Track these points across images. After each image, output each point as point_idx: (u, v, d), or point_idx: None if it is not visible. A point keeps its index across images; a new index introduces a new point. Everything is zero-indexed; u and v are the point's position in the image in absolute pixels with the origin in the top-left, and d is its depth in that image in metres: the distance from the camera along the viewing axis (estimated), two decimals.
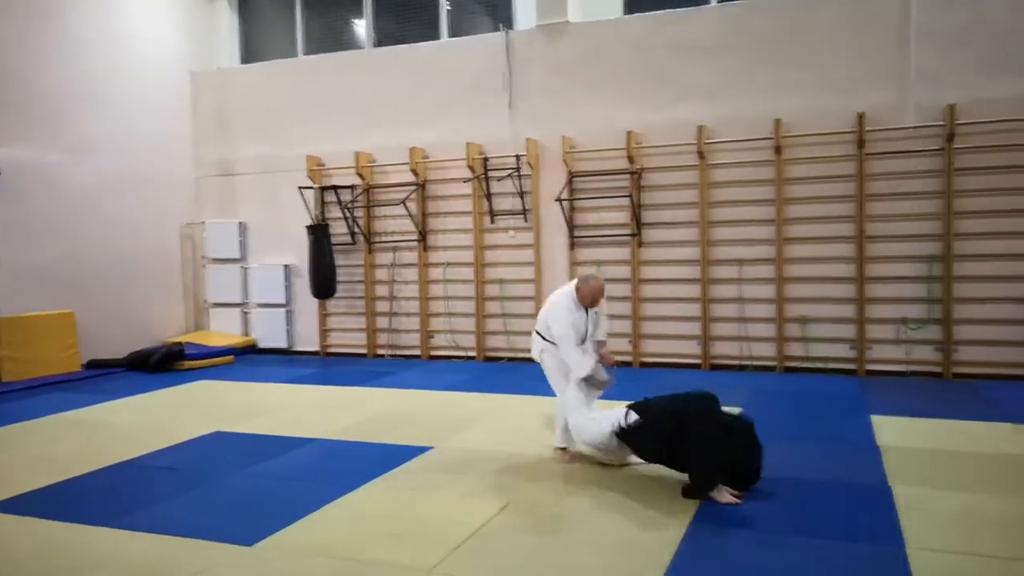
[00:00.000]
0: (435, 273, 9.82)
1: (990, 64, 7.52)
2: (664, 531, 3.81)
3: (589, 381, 4.96)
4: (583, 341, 5.03)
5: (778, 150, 8.11)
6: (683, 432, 4.27)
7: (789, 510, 4.12)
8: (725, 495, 4.18)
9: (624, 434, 4.55)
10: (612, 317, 8.71)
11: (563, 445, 5.15)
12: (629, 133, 8.62)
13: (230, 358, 9.87)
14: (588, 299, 5.00)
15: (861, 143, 7.80)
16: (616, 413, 4.69)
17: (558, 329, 4.96)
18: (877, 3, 7.91)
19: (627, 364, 8.59)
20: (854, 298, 8.02)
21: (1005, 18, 7.48)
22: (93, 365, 9.30)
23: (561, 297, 5.10)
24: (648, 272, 8.85)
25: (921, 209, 7.80)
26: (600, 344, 5.23)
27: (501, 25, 9.44)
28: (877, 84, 7.88)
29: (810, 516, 4.02)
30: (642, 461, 4.74)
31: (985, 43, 7.54)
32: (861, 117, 7.75)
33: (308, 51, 10.86)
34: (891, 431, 5.56)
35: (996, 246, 7.58)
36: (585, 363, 4.89)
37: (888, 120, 7.82)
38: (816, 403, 6.75)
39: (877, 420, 5.95)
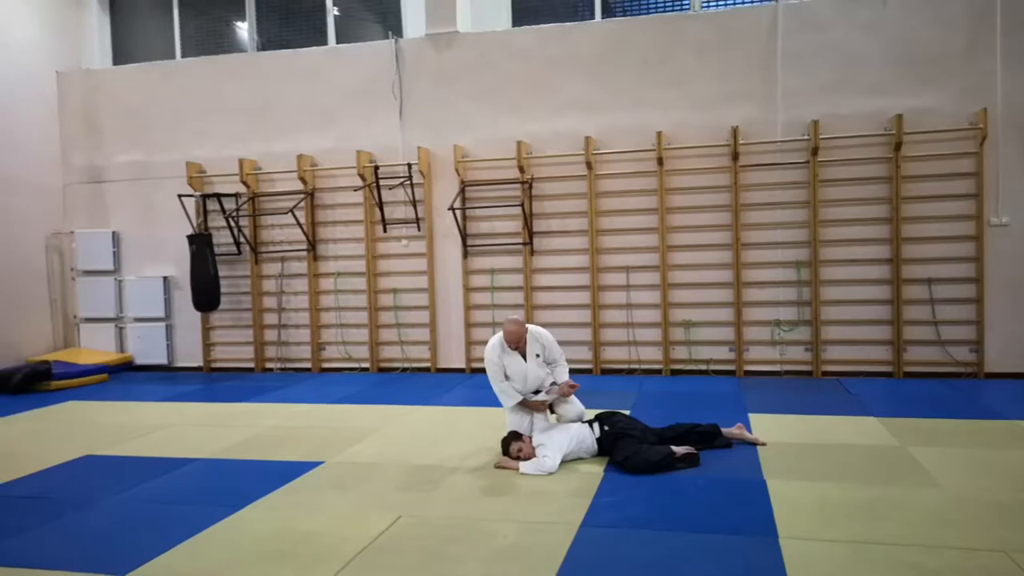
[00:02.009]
0: (326, 283, 9.62)
1: (846, 83, 8.13)
2: (553, 537, 3.87)
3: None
4: (535, 388, 5.37)
5: (660, 161, 8.44)
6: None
7: (672, 508, 4.29)
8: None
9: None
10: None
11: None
12: (519, 143, 8.75)
13: (103, 376, 9.29)
14: (510, 341, 5.28)
15: (735, 156, 8.24)
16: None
17: (486, 365, 5.37)
18: (747, 26, 8.40)
19: None
20: (732, 302, 8.45)
21: (857, 41, 8.11)
22: None
23: (491, 339, 5.41)
24: (540, 280, 9.00)
25: (790, 218, 8.31)
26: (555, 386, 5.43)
27: (390, 33, 9.38)
28: (749, 100, 8.35)
29: (691, 512, 4.21)
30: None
31: (841, 64, 8.15)
32: (735, 131, 8.19)
33: (187, 53, 10.41)
34: (766, 428, 5.88)
35: (856, 252, 8.19)
36: (508, 397, 5.31)
37: (759, 134, 8.30)
38: (699, 403, 7.05)
39: (754, 418, 6.27)
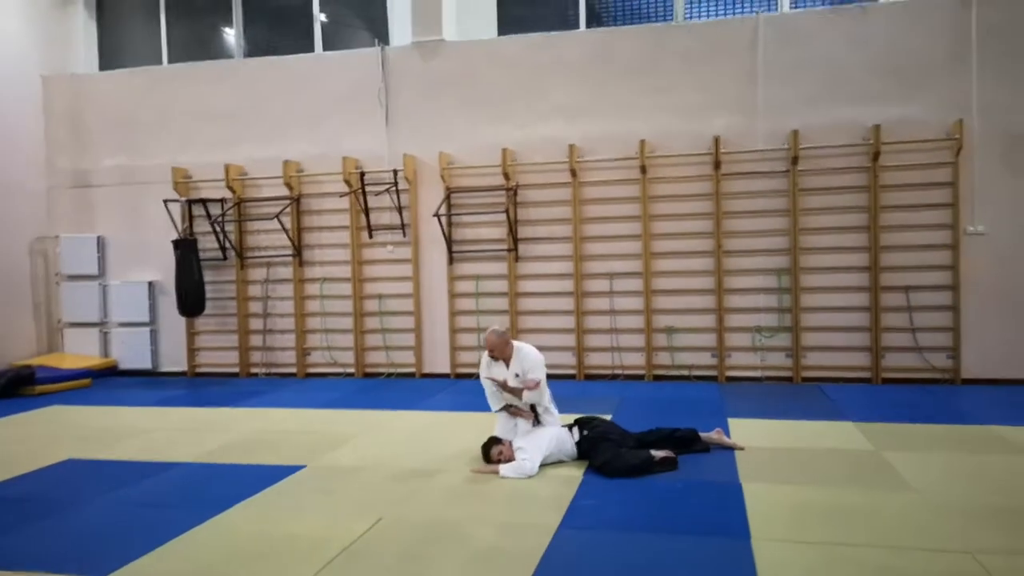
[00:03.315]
0: (311, 289, 9.65)
1: (826, 94, 8.26)
2: (531, 539, 3.93)
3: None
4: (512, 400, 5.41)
5: (643, 169, 8.54)
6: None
7: (649, 510, 4.37)
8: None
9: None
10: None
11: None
12: (504, 150, 8.83)
13: (87, 381, 9.27)
14: (487, 348, 5.40)
15: (717, 164, 8.36)
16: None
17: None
18: (729, 36, 8.52)
19: None
20: (714, 309, 8.54)
21: (837, 53, 8.25)
22: None
23: (485, 353, 5.51)
24: (525, 286, 9.07)
25: (771, 226, 8.43)
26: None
27: (377, 40, 9.45)
28: (730, 110, 8.47)
29: (668, 514, 4.29)
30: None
31: (821, 75, 8.29)
32: (717, 140, 8.31)
33: (173, 59, 10.44)
34: (745, 433, 5.95)
35: (835, 260, 8.31)
36: (493, 402, 5.48)
37: (741, 143, 8.42)
38: (680, 409, 7.11)
39: (733, 423, 6.35)
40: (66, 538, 4.15)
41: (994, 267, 7.98)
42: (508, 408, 5.43)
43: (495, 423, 5.56)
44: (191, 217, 9.81)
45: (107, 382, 9.56)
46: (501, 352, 5.36)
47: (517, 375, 5.34)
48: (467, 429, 6.19)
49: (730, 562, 3.62)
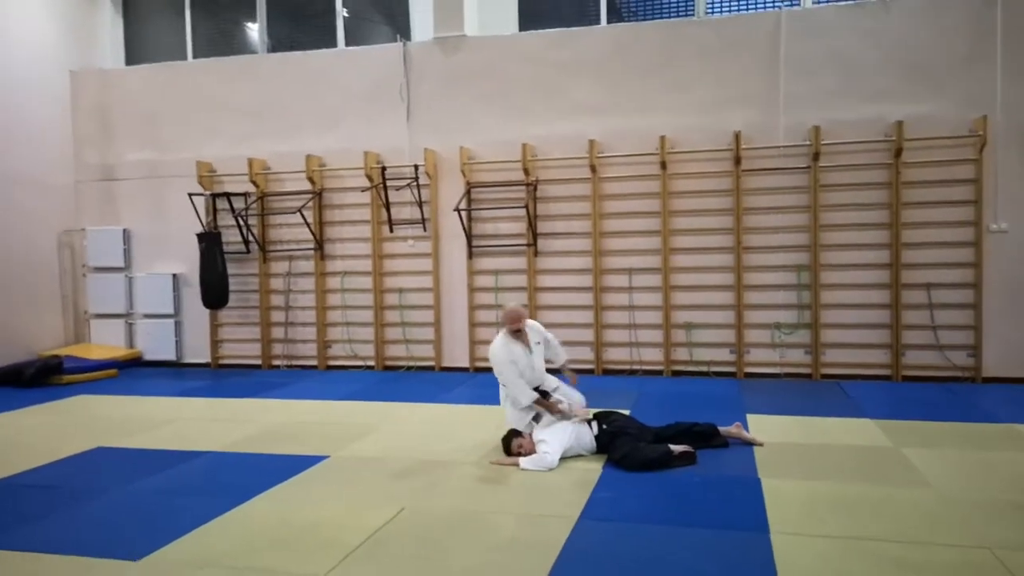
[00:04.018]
0: (333, 282, 9.76)
1: (848, 89, 8.22)
2: (551, 530, 3.99)
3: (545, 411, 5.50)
4: (541, 378, 5.57)
5: (663, 165, 8.55)
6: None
7: (667, 503, 4.41)
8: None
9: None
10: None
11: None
12: (524, 145, 8.87)
13: (113, 371, 9.45)
14: (508, 323, 5.46)
15: (738, 160, 8.35)
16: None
17: (497, 366, 5.44)
18: (750, 31, 8.50)
19: None
20: (733, 305, 8.55)
21: (859, 48, 8.21)
22: None
23: (495, 340, 5.55)
24: (544, 281, 9.12)
25: (791, 222, 8.41)
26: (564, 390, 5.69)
27: (399, 36, 9.52)
28: (751, 105, 8.45)
29: (687, 508, 4.33)
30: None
31: (843, 70, 8.24)
32: (737, 136, 8.29)
33: (198, 54, 10.58)
34: (764, 428, 5.98)
35: (856, 256, 8.28)
36: (527, 394, 5.38)
37: (761, 139, 8.40)
38: (698, 404, 7.15)
39: (752, 419, 6.36)
40: (95, 524, 4.27)
41: (1017, 265, 7.92)
42: (537, 402, 5.44)
43: (506, 413, 5.65)
44: (215, 211, 9.95)
45: (132, 372, 9.74)
46: (522, 322, 5.48)
47: (539, 343, 5.58)
48: (486, 422, 6.27)
49: (748, 555, 3.66)
